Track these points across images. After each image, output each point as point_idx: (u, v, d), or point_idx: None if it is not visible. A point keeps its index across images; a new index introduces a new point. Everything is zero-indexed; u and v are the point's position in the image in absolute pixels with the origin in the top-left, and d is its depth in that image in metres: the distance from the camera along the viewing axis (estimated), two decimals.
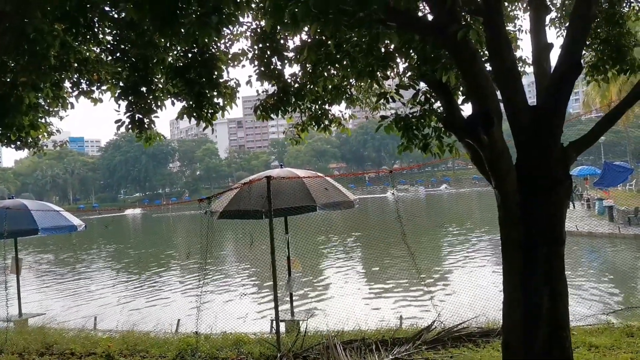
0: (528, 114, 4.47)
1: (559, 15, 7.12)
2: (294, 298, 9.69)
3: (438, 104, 6.00)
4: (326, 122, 7.93)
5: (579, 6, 4.41)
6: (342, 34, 4.85)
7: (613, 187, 29.93)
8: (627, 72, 6.29)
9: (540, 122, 4.38)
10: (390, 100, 8.95)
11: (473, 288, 12.12)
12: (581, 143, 4.66)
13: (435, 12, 4.37)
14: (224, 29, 5.21)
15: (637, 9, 6.75)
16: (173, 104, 6.68)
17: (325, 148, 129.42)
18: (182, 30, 4.67)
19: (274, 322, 8.09)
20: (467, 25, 4.10)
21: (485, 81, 4.21)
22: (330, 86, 7.32)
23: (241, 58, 6.85)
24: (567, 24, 4.95)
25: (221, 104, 6.64)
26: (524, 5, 6.71)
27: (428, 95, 6.06)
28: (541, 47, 4.90)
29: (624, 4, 6.54)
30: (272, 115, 6.96)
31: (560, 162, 4.49)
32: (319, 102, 7.66)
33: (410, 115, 6.01)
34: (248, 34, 6.73)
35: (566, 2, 6.95)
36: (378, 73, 5.66)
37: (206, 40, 4.73)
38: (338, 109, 8.19)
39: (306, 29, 4.83)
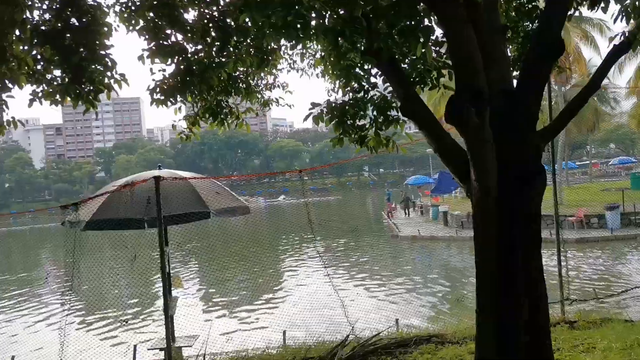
0: (504, 98, 4.03)
1: None
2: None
3: (374, 92, 5.39)
4: (222, 116, 6.90)
5: None
6: None
7: (448, 194, 32.65)
8: None
9: (517, 108, 3.96)
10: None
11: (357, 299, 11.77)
12: (549, 132, 4.37)
13: None
14: None
15: None
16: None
17: (159, 158, 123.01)
18: None
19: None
20: None
21: (475, 52, 3.65)
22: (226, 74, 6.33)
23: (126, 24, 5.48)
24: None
25: (106, 80, 5.18)
26: None
27: (363, 82, 5.40)
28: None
29: None
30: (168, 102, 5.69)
31: (537, 152, 4.13)
32: (214, 92, 6.60)
33: (346, 104, 5.28)
34: None
35: None
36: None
37: None
38: (233, 102, 7.23)
39: None
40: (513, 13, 6.07)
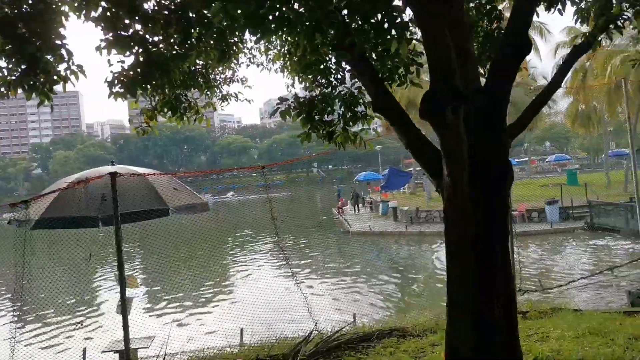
0: (484, 98, 4.09)
1: None
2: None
3: (342, 87, 5.37)
4: (181, 110, 6.73)
5: None
6: None
7: (396, 190, 33.17)
8: None
9: (496, 108, 4.03)
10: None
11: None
12: (516, 130, 4.48)
13: None
14: None
15: None
16: None
17: (100, 154, 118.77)
18: None
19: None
20: None
21: (451, 50, 3.69)
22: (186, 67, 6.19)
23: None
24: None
25: (62, 72, 4.90)
26: None
27: (331, 78, 5.38)
28: None
29: None
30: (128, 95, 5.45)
31: (506, 148, 4.23)
32: (174, 86, 6.40)
33: (315, 99, 5.24)
34: None
35: None
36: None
37: None
38: (191, 96, 7.08)
39: None
40: (473, 12, 6.20)
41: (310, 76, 6.26)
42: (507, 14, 6.09)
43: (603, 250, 17.96)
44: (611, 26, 4.44)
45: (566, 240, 20.70)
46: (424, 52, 5.46)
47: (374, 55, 4.92)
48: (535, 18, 4.87)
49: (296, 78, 6.68)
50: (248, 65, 8.07)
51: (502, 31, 6.00)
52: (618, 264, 11.91)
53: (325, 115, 5.30)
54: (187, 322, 12.59)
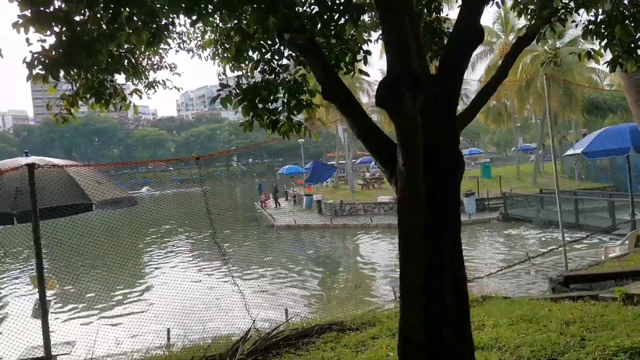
0: (437, 87, 4.02)
1: None
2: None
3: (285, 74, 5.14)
4: (106, 97, 6.23)
5: None
6: None
7: (319, 184, 33.29)
8: None
9: (451, 99, 3.98)
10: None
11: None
12: (464, 121, 4.48)
13: None
14: None
15: None
16: None
17: (1, 147, 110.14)
18: None
19: None
20: None
21: (411, 35, 3.58)
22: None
23: None
24: None
25: None
26: None
27: (273, 64, 5.13)
28: None
29: None
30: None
31: (458, 139, 4.20)
32: (98, 69, 5.90)
33: (258, 85, 4.96)
34: None
35: None
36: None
37: None
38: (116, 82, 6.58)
39: None
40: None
41: (244, 63, 5.99)
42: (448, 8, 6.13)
43: (517, 238, 19.00)
44: (553, 19, 4.54)
45: (483, 230, 21.72)
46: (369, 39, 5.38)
47: (320, 40, 4.74)
48: None
49: (227, 66, 6.39)
50: (177, 51, 7.64)
51: (442, 23, 6.04)
52: (537, 252, 12.56)
53: (269, 104, 5.05)
54: (109, 325, 11.84)
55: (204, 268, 18.59)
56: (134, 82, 6.68)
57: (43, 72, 4.75)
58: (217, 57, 6.60)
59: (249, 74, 5.39)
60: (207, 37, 6.88)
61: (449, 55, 4.13)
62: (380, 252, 19.57)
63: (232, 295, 11.38)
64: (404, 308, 4.15)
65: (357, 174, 44.83)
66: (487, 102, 4.56)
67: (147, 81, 7.02)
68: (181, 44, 7.54)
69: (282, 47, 4.80)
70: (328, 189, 38.49)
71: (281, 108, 5.07)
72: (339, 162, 41.73)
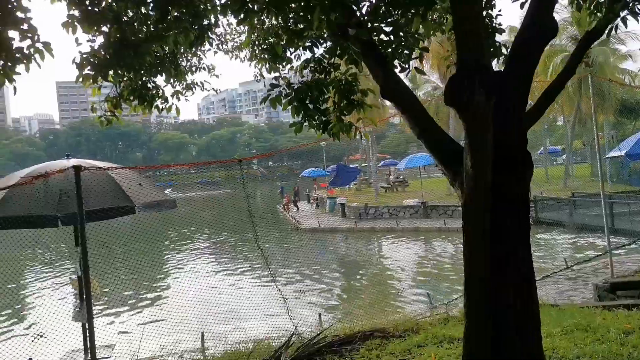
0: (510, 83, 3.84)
1: None
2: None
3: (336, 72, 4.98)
4: (148, 98, 6.17)
5: None
6: None
7: (343, 187, 33.11)
8: None
9: (523, 95, 3.80)
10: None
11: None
12: (532, 118, 4.27)
13: None
14: None
15: None
16: None
17: (28, 150, 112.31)
18: None
19: None
20: None
21: (482, 28, 3.39)
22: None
23: None
24: None
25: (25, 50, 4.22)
26: None
27: (324, 64, 4.98)
28: None
29: None
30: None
31: (526, 138, 4.01)
32: (144, 71, 5.85)
33: (308, 84, 4.81)
34: None
35: None
36: None
37: None
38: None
39: None
40: None
41: (282, 64, 5.89)
42: None
43: (551, 243, 18.53)
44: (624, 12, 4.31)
45: None
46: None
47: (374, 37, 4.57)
48: None
49: (264, 68, 6.29)
50: (215, 52, 7.59)
51: (494, 19, 5.80)
52: (573, 257, 12.20)
53: (320, 104, 4.89)
54: (145, 328, 11.78)
55: (230, 270, 18.58)
56: (173, 84, 6.61)
57: (92, 73, 4.69)
58: (254, 58, 6.51)
59: (297, 73, 5.25)
60: (244, 37, 6.81)
61: (518, 51, 3.93)
62: (409, 256, 19.31)
63: (263, 298, 11.29)
64: (468, 315, 3.99)
65: (379, 177, 44.52)
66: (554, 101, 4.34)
67: (185, 83, 6.95)
68: (220, 45, 7.49)
69: (336, 45, 4.65)
70: (351, 192, 38.27)
71: (332, 109, 4.92)
72: (362, 165, 41.45)
